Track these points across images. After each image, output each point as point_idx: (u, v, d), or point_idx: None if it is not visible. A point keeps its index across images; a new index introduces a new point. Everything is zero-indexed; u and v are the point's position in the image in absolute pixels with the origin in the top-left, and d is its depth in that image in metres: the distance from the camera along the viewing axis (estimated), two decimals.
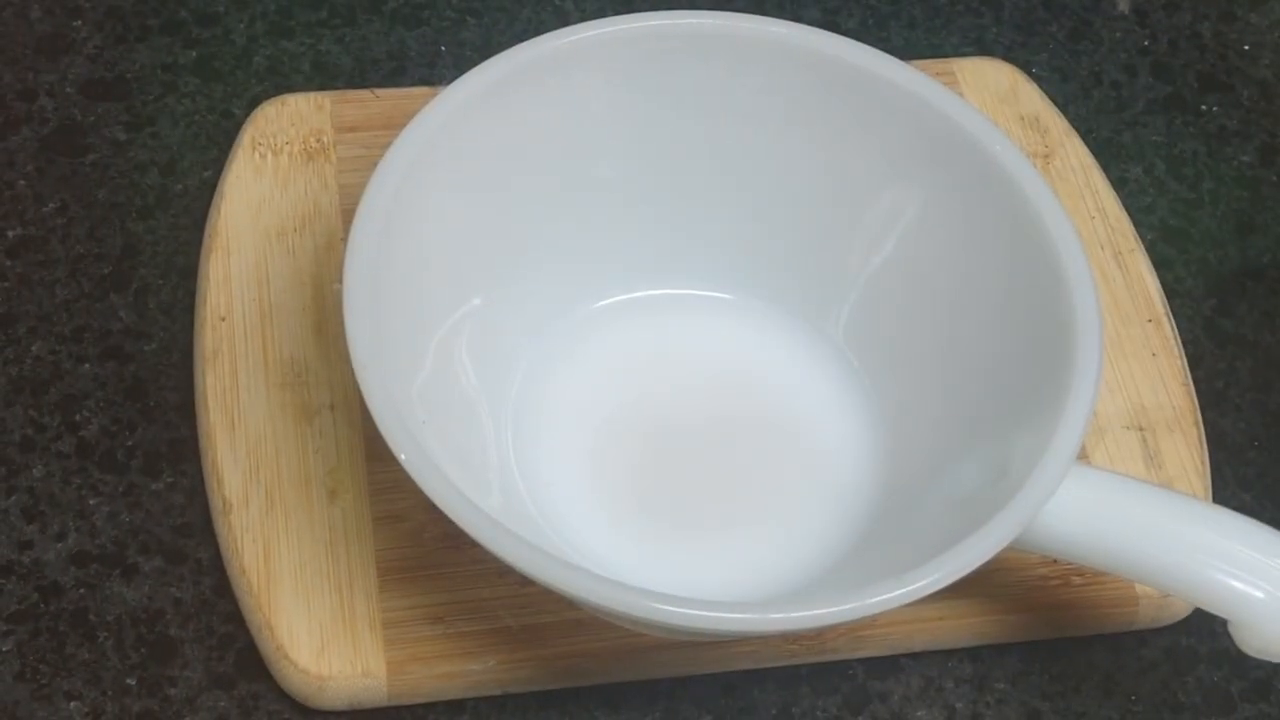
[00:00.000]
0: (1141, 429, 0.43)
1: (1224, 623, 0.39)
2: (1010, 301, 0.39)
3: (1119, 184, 0.48)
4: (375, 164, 0.37)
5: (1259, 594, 0.35)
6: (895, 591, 0.33)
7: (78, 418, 0.41)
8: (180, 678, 0.38)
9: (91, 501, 0.40)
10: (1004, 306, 0.39)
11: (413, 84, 0.48)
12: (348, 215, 0.43)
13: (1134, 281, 0.45)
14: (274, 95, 0.46)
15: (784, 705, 0.39)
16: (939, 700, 0.39)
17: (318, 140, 0.45)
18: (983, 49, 0.51)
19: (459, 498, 0.33)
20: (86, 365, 0.42)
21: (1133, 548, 0.35)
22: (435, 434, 0.36)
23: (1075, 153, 0.47)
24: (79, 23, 0.49)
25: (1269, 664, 0.40)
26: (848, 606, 0.33)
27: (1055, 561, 0.40)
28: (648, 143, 0.41)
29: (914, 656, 0.40)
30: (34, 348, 0.42)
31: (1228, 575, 0.35)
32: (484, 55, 0.40)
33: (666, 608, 0.33)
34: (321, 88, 0.48)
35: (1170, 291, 0.46)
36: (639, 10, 0.41)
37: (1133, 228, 0.46)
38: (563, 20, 0.50)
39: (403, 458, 0.34)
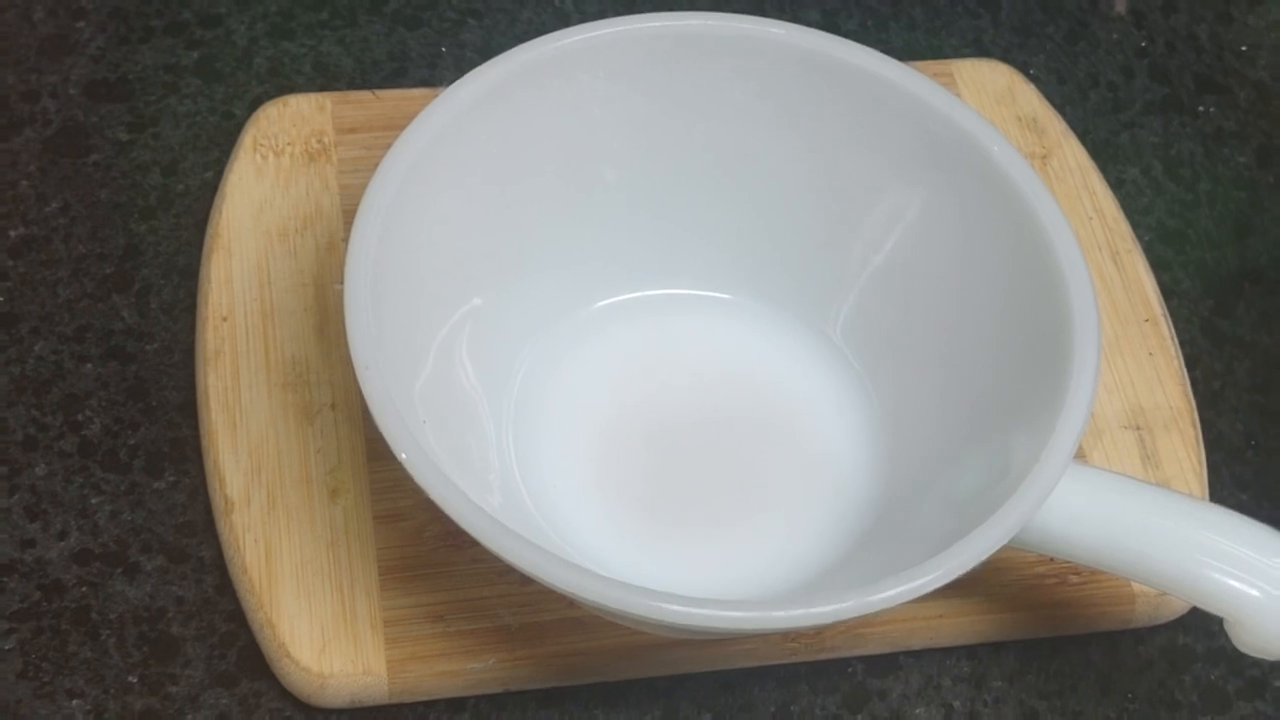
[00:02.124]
0: (1139, 429, 0.43)
1: (1220, 621, 0.39)
2: (1009, 302, 0.39)
3: (1116, 185, 0.48)
4: (376, 165, 0.37)
5: (1255, 593, 0.35)
6: (896, 589, 0.33)
7: (80, 417, 0.41)
8: (182, 676, 0.38)
9: (94, 500, 0.40)
10: (1002, 307, 0.39)
11: (414, 85, 0.48)
12: (349, 216, 0.43)
13: (1131, 282, 0.45)
14: (275, 96, 0.46)
15: (783, 703, 0.39)
16: (937, 698, 0.40)
17: (319, 141, 0.45)
18: (981, 50, 0.51)
19: (459, 496, 0.33)
20: (89, 365, 0.42)
21: (1130, 546, 0.35)
22: (436, 434, 0.36)
23: (1073, 154, 0.48)
24: (82, 24, 0.49)
25: (1265, 662, 0.40)
26: (849, 604, 0.33)
27: (1052, 561, 0.40)
28: (648, 144, 0.41)
29: (912, 655, 0.40)
30: (36, 347, 0.42)
31: (1224, 574, 0.35)
32: (485, 57, 0.40)
33: (669, 606, 0.33)
34: (323, 89, 0.48)
35: (1168, 292, 0.46)
36: (640, 12, 0.41)
37: (1130, 229, 0.46)
38: (563, 22, 0.50)
39: (403, 457, 0.34)
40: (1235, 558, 0.35)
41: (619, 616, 0.35)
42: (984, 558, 0.34)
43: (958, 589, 0.40)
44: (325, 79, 0.48)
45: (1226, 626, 0.36)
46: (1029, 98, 0.48)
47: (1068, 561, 0.37)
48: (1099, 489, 0.35)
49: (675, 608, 0.33)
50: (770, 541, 0.40)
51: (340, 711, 0.38)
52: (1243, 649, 0.36)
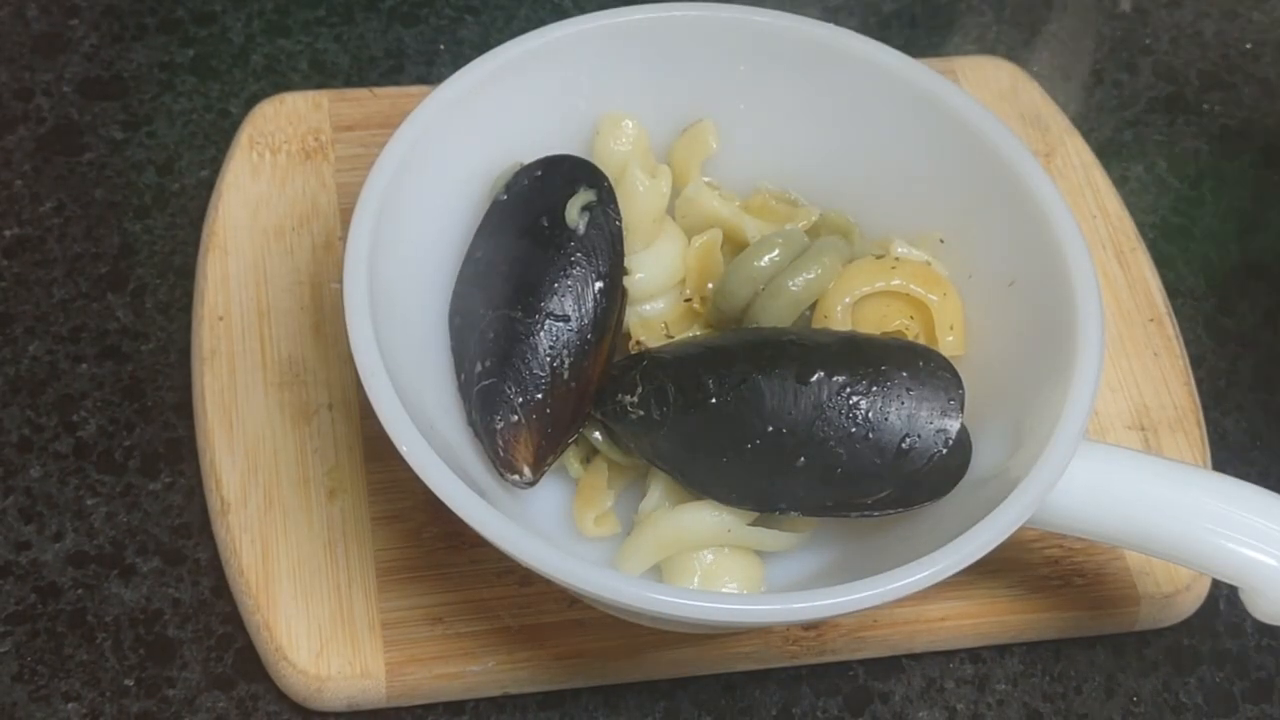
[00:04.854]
0: (1143, 429, 0.42)
1: (1226, 624, 0.38)
2: (1014, 289, 0.39)
3: (1120, 183, 0.48)
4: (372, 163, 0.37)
5: (1269, 560, 0.35)
6: (921, 574, 0.33)
7: (75, 418, 0.41)
8: (179, 679, 0.38)
9: (89, 502, 0.40)
10: (1008, 292, 0.39)
11: (411, 82, 0.48)
12: (346, 214, 0.43)
13: (1135, 280, 0.45)
14: (272, 94, 0.46)
15: (785, 705, 0.39)
16: (940, 701, 0.39)
17: (315, 139, 0.45)
18: (983, 47, 0.51)
19: (460, 489, 0.33)
20: (84, 365, 0.42)
21: (1143, 519, 0.35)
22: (441, 433, 0.36)
23: (1076, 151, 0.47)
24: (76, 21, 0.49)
25: (1271, 665, 0.40)
26: (875, 591, 0.33)
27: (1057, 562, 0.40)
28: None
29: (915, 657, 0.40)
30: (31, 348, 0.42)
31: (1238, 543, 0.35)
32: (482, 53, 0.39)
33: (687, 602, 0.33)
34: (319, 86, 0.48)
35: (1172, 290, 0.46)
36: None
37: (1134, 226, 0.46)
38: (561, 17, 0.50)
39: (404, 449, 0.33)
40: (1248, 526, 0.35)
41: (632, 614, 0.35)
42: (1003, 538, 0.33)
43: (961, 590, 0.39)
44: (322, 76, 0.48)
45: (1242, 595, 0.36)
46: (1032, 95, 0.48)
47: (1080, 539, 0.37)
48: (1110, 464, 0.35)
49: (693, 603, 0.33)
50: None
51: (338, 714, 0.38)
52: (1259, 617, 0.35)
